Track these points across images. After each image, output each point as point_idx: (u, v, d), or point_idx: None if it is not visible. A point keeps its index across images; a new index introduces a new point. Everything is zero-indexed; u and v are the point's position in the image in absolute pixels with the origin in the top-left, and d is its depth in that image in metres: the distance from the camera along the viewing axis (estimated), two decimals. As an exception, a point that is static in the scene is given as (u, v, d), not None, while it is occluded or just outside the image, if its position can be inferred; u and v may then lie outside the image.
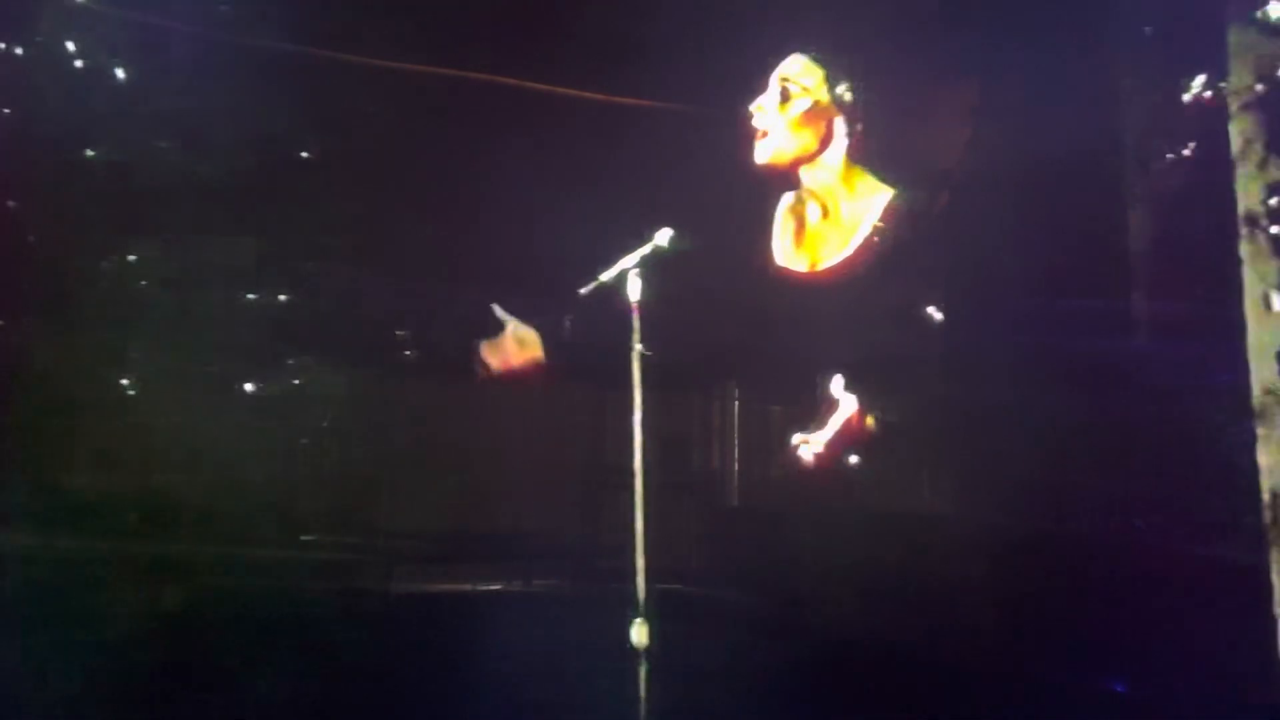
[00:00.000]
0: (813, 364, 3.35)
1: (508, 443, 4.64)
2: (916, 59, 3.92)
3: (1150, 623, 3.63)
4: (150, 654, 4.14)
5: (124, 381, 4.92)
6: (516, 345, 3.29)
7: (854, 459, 3.27)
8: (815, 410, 3.24)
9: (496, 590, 4.52)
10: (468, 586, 4.61)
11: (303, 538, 4.80)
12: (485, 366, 3.27)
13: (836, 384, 3.22)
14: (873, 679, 3.61)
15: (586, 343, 3.30)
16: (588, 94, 4.57)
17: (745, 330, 3.49)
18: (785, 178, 3.52)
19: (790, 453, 3.26)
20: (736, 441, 4.31)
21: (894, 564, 3.71)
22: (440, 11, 4.68)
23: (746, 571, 4.11)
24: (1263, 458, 3.47)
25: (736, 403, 4.22)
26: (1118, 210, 4.36)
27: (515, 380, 3.32)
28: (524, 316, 3.35)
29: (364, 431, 5.05)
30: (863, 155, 3.49)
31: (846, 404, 3.21)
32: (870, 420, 3.25)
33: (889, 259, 3.39)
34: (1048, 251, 4.26)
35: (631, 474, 2.84)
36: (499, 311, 3.29)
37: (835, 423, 3.19)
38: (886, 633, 3.66)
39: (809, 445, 3.21)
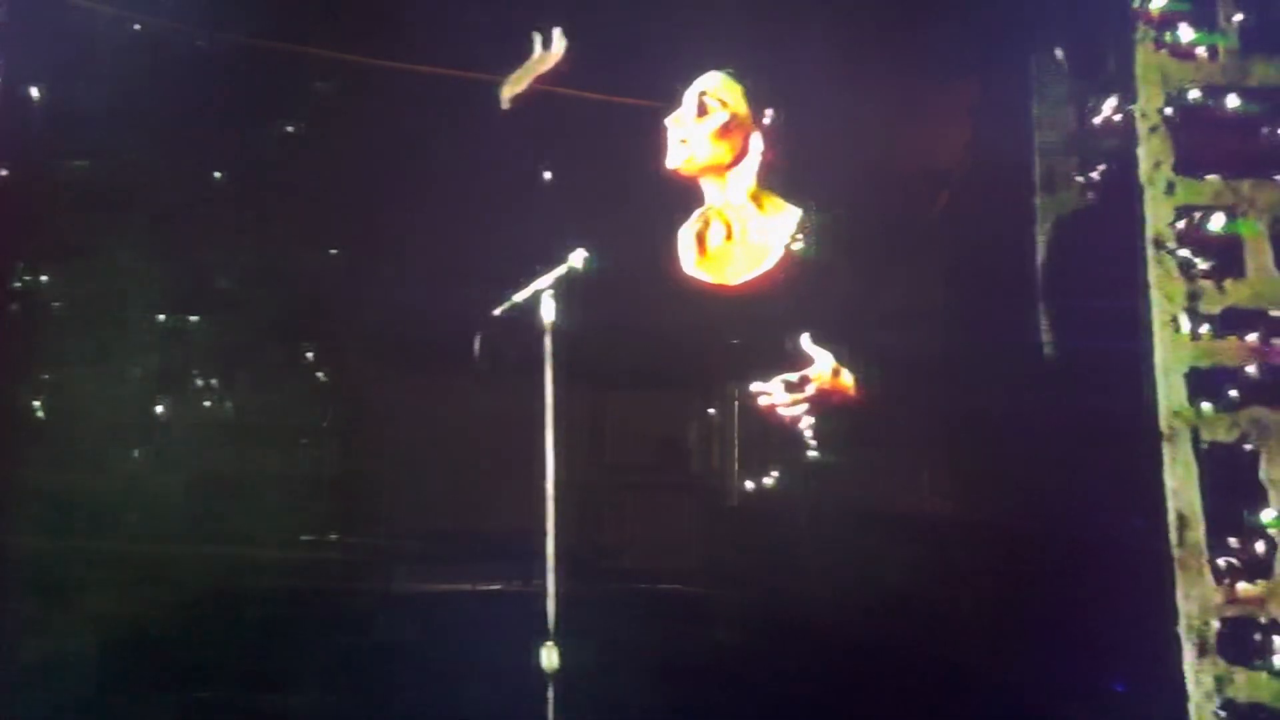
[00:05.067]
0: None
1: (507, 442, 4.64)
2: (835, 81, 3.93)
3: (1149, 622, 3.64)
4: (149, 654, 4.14)
5: (121, 382, 4.93)
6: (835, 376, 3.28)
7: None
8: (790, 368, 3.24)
9: (496, 590, 4.52)
10: (468, 586, 4.60)
11: (303, 538, 4.80)
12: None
13: (805, 340, 3.23)
14: (872, 678, 3.62)
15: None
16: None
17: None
18: (693, 192, 3.54)
19: (750, 400, 3.28)
20: (736, 441, 4.31)
21: (894, 564, 3.72)
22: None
23: (746, 571, 4.11)
24: (1170, 480, 3.46)
25: (736, 403, 4.22)
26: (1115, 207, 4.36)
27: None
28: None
29: (364, 431, 5.05)
30: (778, 171, 3.51)
31: (820, 360, 3.22)
32: (848, 379, 3.25)
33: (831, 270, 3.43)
34: (1038, 253, 4.28)
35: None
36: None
37: (803, 376, 3.20)
38: (886, 632, 3.67)
39: (768, 395, 3.22)
